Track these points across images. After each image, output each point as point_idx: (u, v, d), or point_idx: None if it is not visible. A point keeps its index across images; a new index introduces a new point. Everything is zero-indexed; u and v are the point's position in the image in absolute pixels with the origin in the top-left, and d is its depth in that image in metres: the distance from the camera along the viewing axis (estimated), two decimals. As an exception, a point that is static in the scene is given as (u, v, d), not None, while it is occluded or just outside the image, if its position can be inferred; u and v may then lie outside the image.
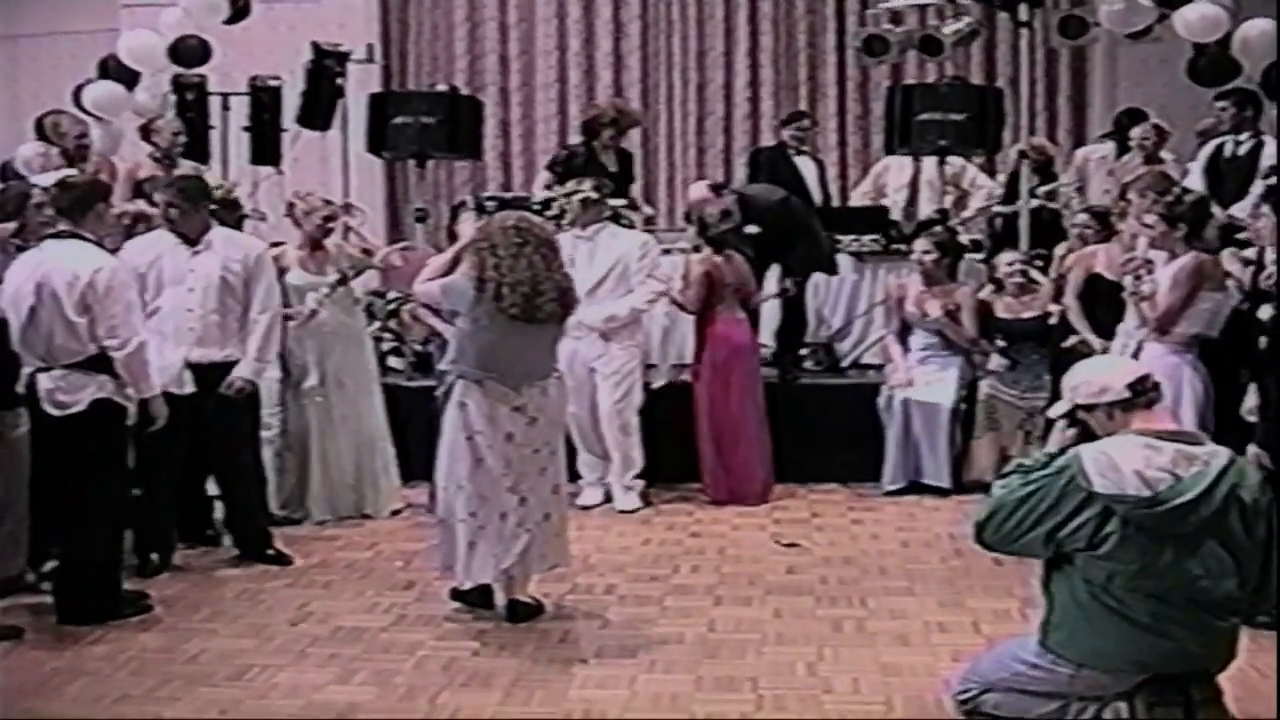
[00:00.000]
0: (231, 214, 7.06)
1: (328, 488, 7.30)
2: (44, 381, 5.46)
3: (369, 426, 7.43)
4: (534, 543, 5.45)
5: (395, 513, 7.44)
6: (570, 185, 7.74)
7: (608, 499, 7.72)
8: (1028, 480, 3.64)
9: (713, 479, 7.70)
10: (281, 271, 7.36)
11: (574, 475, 7.74)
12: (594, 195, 7.58)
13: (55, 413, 5.44)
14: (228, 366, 6.32)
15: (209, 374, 6.27)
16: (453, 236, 7.63)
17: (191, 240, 6.31)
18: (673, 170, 12.03)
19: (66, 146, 8.24)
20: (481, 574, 5.51)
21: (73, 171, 6.05)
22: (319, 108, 9.89)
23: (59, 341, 5.44)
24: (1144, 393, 3.69)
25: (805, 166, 9.89)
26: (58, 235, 5.53)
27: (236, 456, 6.48)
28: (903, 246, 8.65)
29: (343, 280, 7.37)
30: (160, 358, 5.95)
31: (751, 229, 8.15)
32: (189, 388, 6.20)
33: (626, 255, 7.59)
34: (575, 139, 9.24)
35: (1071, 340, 7.33)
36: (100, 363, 5.46)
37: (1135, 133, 9.00)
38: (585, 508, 7.61)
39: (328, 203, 7.59)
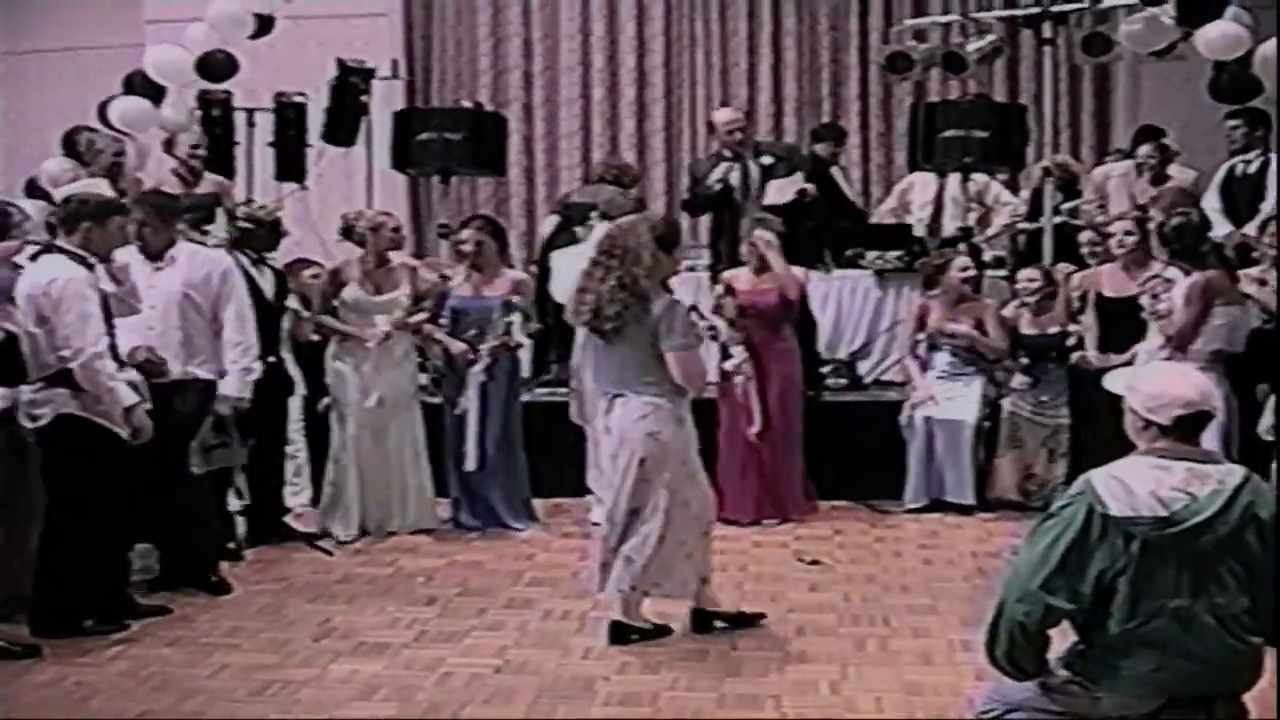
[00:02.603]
0: (271, 235, 7.07)
1: (365, 504, 7.30)
2: (24, 394, 5.47)
3: (412, 443, 7.43)
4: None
5: (428, 530, 7.43)
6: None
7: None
8: (1044, 529, 3.57)
9: (738, 498, 7.60)
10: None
11: (583, 490, 7.80)
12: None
13: (29, 425, 5.46)
14: (185, 385, 6.13)
15: (168, 390, 6.03)
16: (458, 251, 7.65)
17: (154, 256, 6.20)
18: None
19: (102, 164, 8.21)
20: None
21: (86, 185, 6.00)
22: (343, 124, 9.92)
23: (27, 353, 5.43)
24: (1188, 427, 3.64)
25: (840, 179, 9.95)
26: (43, 250, 5.56)
27: (180, 478, 6.16)
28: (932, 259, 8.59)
29: (418, 301, 7.42)
30: (120, 372, 5.81)
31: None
32: (147, 404, 5.94)
33: None
34: (597, 157, 9.29)
35: (1075, 356, 7.37)
36: (63, 377, 5.41)
37: (1140, 152, 9.00)
38: (598, 524, 7.60)
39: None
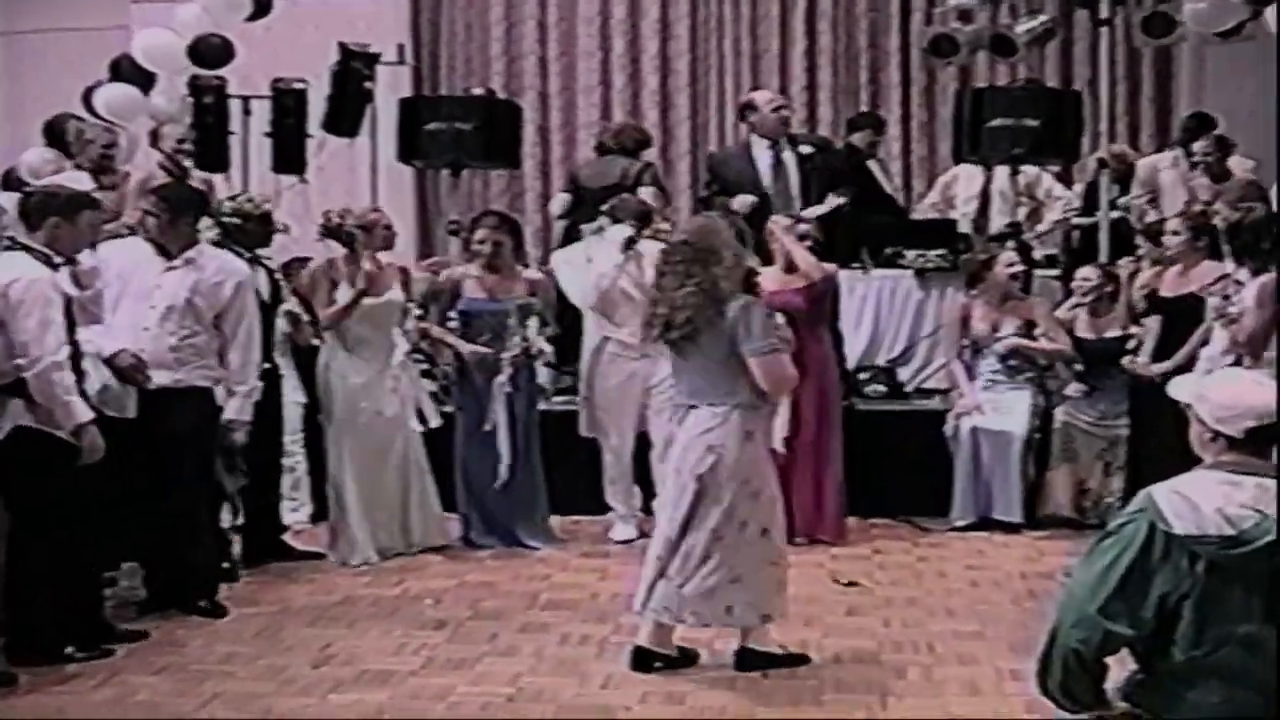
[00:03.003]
0: (262, 230, 7.05)
1: (370, 524, 7.27)
2: None
3: (415, 457, 7.42)
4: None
5: (437, 549, 7.43)
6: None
7: (643, 534, 7.71)
8: (1101, 548, 3.53)
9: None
10: (454, 296, 7.43)
11: (602, 507, 7.79)
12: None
13: None
14: (177, 393, 6.09)
15: (157, 398, 6.03)
16: (473, 251, 7.65)
17: (169, 254, 6.18)
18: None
19: (91, 156, 8.22)
20: None
21: (65, 179, 5.99)
22: (346, 113, 9.94)
23: None
24: (1260, 440, 3.60)
25: (878, 171, 9.93)
26: (7, 247, 5.52)
27: (180, 490, 6.14)
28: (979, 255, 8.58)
29: (426, 303, 7.43)
30: (102, 376, 5.88)
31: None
32: (131, 412, 5.98)
33: None
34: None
35: (1124, 361, 7.34)
36: (19, 386, 5.34)
37: (1196, 148, 8.96)
38: (619, 543, 7.65)
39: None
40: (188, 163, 8.70)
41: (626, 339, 7.57)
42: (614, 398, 7.72)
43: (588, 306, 7.72)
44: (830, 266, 7.72)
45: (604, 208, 7.82)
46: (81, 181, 5.91)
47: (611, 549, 7.56)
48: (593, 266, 7.62)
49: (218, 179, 9.25)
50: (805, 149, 8.93)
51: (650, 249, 7.73)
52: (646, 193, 8.69)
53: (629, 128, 9.60)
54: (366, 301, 7.24)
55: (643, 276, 7.64)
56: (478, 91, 10.51)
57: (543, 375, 8.18)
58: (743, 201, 8.46)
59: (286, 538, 7.40)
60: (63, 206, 5.55)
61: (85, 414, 5.42)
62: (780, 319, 5.51)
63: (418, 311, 7.57)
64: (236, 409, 6.27)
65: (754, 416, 5.27)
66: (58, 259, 5.51)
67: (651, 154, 11.69)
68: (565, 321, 8.05)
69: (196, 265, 6.20)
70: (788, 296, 7.48)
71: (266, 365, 6.82)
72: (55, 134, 8.48)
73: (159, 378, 6.05)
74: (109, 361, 5.85)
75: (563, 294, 7.94)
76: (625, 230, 7.60)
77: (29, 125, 8.94)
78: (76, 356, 5.53)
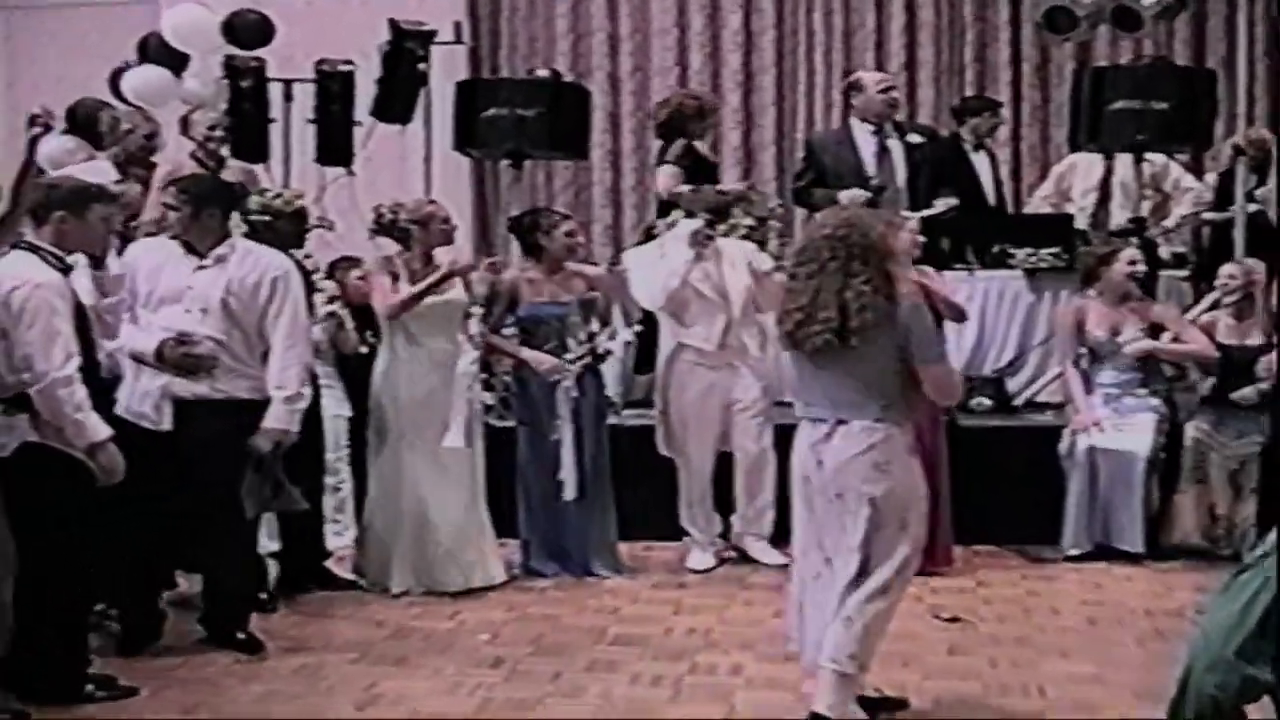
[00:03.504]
0: (294, 228, 7.08)
1: (420, 552, 7.27)
2: None
3: (473, 478, 7.42)
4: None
5: (499, 585, 7.42)
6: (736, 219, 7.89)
7: (722, 561, 7.78)
8: (1239, 583, 3.48)
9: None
10: (513, 302, 7.46)
11: (678, 532, 7.78)
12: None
13: None
14: (213, 405, 6.11)
15: (193, 410, 6.07)
16: (534, 249, 7.65)
17: (199, 252, 6.19)
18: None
19: (129, 147, 8.29)
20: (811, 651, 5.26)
21: (87, 170, 6.04)
22: (397, 97, 9.97)
23: None
24: None
25: (982, 164, 9.86)
26: (15, 246, 5.54)
27: (214, 512, 6.12)
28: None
29: (489, 305, 7.44)
30: (137, 384, 5.94)
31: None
32: (167, 423, 6.05)
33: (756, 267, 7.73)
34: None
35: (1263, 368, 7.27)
36: (25, 400, 5.35)
37: None
38: (696, 571, 7.67)
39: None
40: (224, 151, 8.75)
41: (703, 345, 7.58)
42: (692, 411, 7.72)
43: (655, 307, 7.74)
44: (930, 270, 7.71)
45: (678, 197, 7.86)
46: (104, 173, 5.91)
47: (687, 579, 7.56)
48: (664, 265, 7.63)
49: (258, 169, 9.31)
50: (913, 138, 8.90)
51: (730, 247, 7.74)
52: (667, 172, 8.74)
53: (684, 104, 9.26)
54: (426, 300, 7.25)
55: (721, 278, 7.65)
56: (541, 73, 10.51)
57: (611, 386, 8.18)
58: (852, 197, 8.44)
59: (329, 564, 7.43)
60: (67, 199, 5.54)
61: (100, 431, 5.44)
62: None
63: (479, 312, 7.56)
64: (278, 417, 6.12)
65: (909, 431, 5.18)
66: (71, 260, 5.53)
67: (732, 139, 11.77)
68: (647, 327, 8.10)
69: (229, 263, 6.18)
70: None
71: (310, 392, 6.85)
72: (81, 121, 8.56)
73: (195, 388, 6.09)
74: (159, 359, 5.90)
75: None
76: (696, 224, 7.61)
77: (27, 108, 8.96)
78: (93, 367, 5.55)
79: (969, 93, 11.34)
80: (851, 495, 5.06)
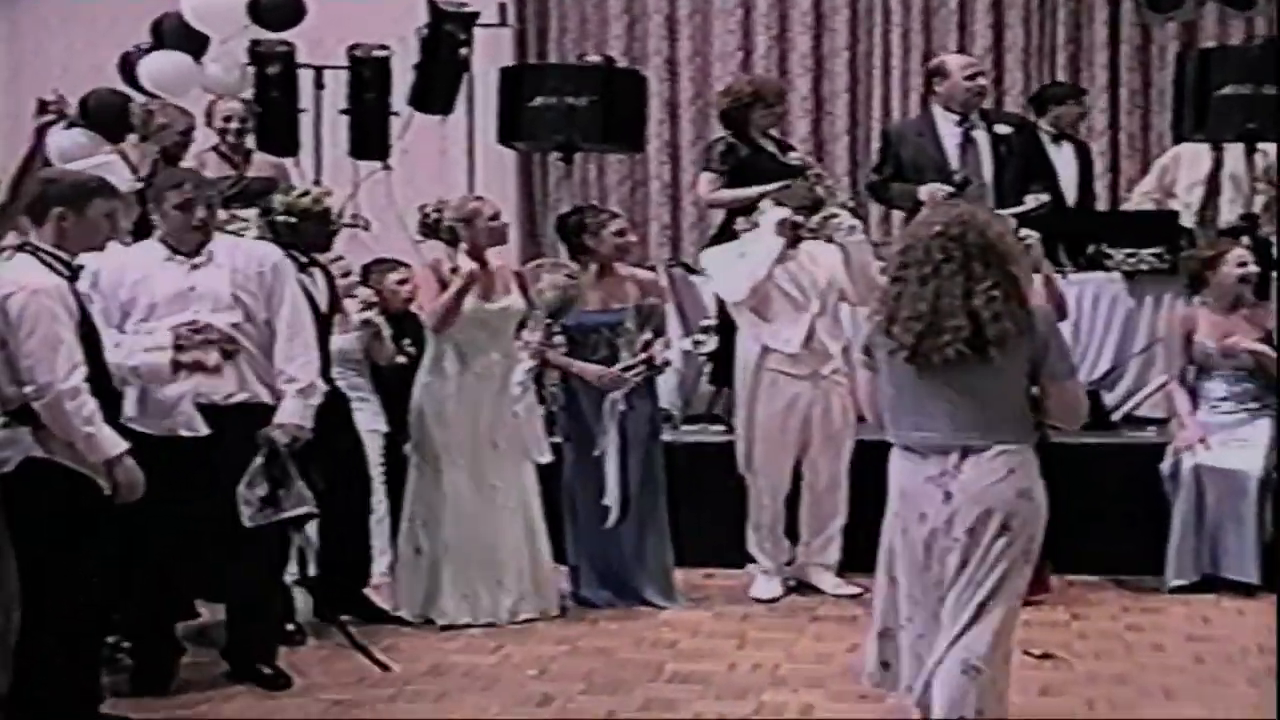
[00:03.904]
0: (320, 229, 7.08)
1: (464, 580, 7.27)
2: None
3: (527, 500, 7.43)
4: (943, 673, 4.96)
5: (556, 616, 7.43)
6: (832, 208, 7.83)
7: (788, 591, 7.78)
8: None
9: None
10: (566, 306, 7.47)
11: (739, 558, 7.76)
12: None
13: None
14: (248, 409, 6.17)
15: (221, 416, 6.13)
16: (582, 250, 7.65)
17: (187, 252, 6.20)
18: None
19: (163, 143, 8.33)
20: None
21: (103, 165, 6.05)
22: (437, 85, 10.00)
23: None
24: None
25: (1062, 158, 9.78)
26: (19, 248, 5.57)
27: (243, 531, 6.14)
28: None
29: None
30: (162, 396, 5.98)
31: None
32: (203, 428, 6.09)
33: (836, 270, 7.71)
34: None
35: None
36: (28, 413, 5.37)
37: None
38: (761, 601, 7.66)
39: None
40: (249, 144, 8.77)
41: (784, 347, 7.57)
42: (772, 426, 7.71)
43: (737, 299, 7.71)
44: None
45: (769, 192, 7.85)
46: (115, 170, 5.93)
47: (751, 609, 7.54)
48: (746, 261, 7.62)
49: (286, 163, 9.35)
50: (1001, 128, 8.85)
51: (817, 250, 7.71)
52: (705, 178, 8.87)
53: (745, 90, 9.11)
54: (481, 307, 7.25)
55: (813, 279, 7.62)
56: (593, 59, 10.54)
57: (667, 399, 8.17)
58: (932, 192, 8.42)
59: (369, 591, 7.44)
60: (66, 194, 5.54)
61: (115, 445, 5.46)
62: None
63: (543, 320, 7.55)
64: (292, 412, 6.19)
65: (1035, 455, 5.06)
66: (77, 263, 5.56)
67: (800, 129, 11.73)
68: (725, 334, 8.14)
69: (220, 257, 6.23)
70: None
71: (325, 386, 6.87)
72: (94, 113, 8.60)
73: (218, 388, 6.15)
74: (177, 359, 5.94)
75: (721, 306, 8.07)
76: (783, 211, 7.60)
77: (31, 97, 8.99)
78: (102, 376, 5.56)
79: (1061, 77, 11.27)
80: (989, 529, 4.88)
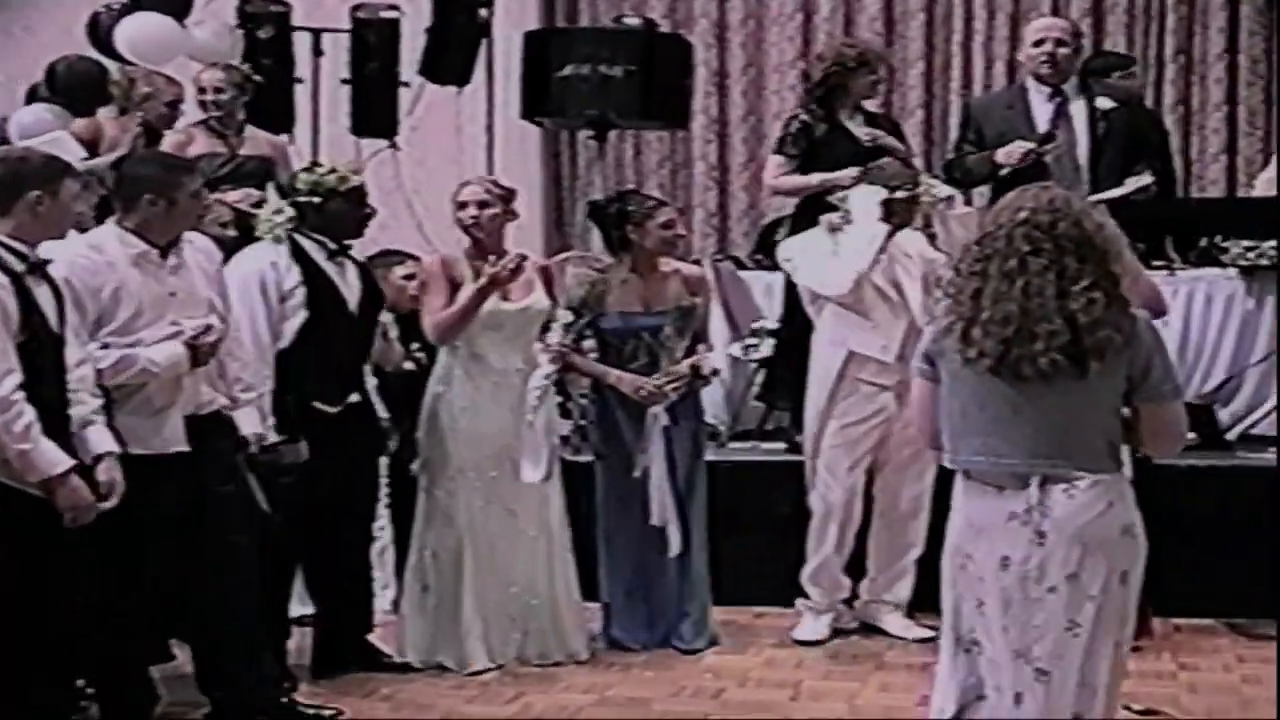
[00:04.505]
0: (352, 211, 7.02)
1: (481, 620, 7.26)
2: None
3: (551, 527, 7.41)
4: None
5: (584, 660, 7.42)
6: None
7: (836, 633, 7.76)
8: None
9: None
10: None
11: (788, 595, 7.81)
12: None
13: None
14: (217, 419, 6.22)
15: (207, 427, 6.16)
16: (622, 243, 7.62)
17: (162, 249, 6.14)
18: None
19: (147, 117, 8.31)
20: None
21: (56, 142, 6.04)
22: (452, 53, 10.02)
23: None
24: None
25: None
26: None
27: (230, 555, 6.18)
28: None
29: (580, 311, 7.44)
30: (151, 412, 5.98)
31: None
32: (184, 444, 6.09)
33: (932, 264, 7.60)
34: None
35: None
36: None
37: None
38: (804, 643, 7.66)
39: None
40: (233, 115, 8.74)
41: (881, 356, 7.51)
42: (847, 441, 7.67)
43: (839, 294, 7.62)
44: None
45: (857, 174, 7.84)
46: (64, 146, 5.93)
47: (807, 655, 7.52)
48: (844, 251, 7.55)
49: (281, 141, 9.35)
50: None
51: (912, 242, 7.65)
52: (773, 161, 8.76)
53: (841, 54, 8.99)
54: (498, 307, 7.23)
55: (907, 277, 7.56)
56: (631, 22, 10.51)
57: (709, 411, 8.14)
58: (1010, 152, 8.45)
59: (373, 638, 7.39)
60: (41, 174, 5.57)
61: (56, 462, 5.43)
62: None
63: (567, 319, 7.53)
64: (254, 421, 6.35)
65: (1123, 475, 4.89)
66: (34, 255, 5.55)
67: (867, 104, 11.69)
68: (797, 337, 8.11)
69: (186, 255, 6.21)
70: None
71: (356, 398, 6.89)
72: (62, 84, 8.64)
73: (214, 399, 6.20)
74: (193, 352, 5.96)
75: (788, 306, 8.07)
76: (884, 193, 7.56)
77: (22, 71, 9.04)
78: (51, 385, 5.53)
79: (1170, 42, 11.23)
80: (1092, 573, 4.73)
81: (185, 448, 6.05)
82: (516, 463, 7.23)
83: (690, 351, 7.52)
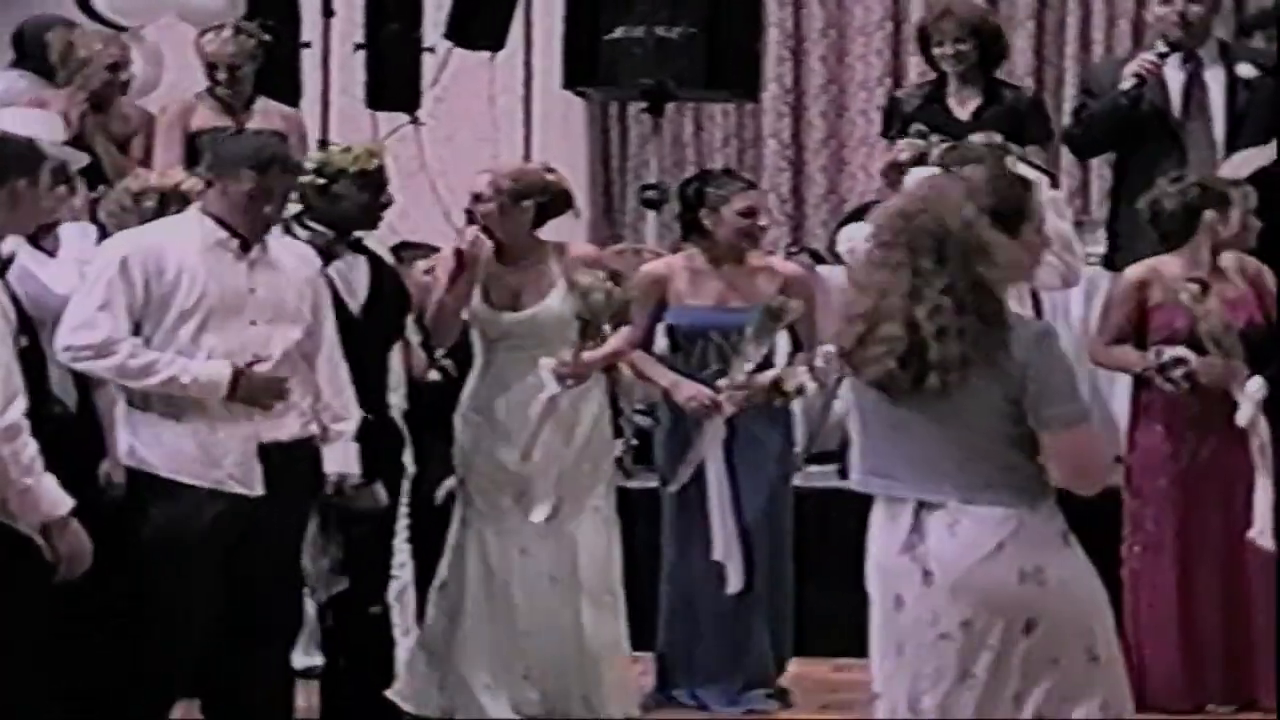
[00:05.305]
0: (365, 197, 7.02)
1: (510, 671, 7.29)
2: None
3: (579, 570, 7.41)
4: None
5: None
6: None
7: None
8: None
9: (1165, 669, 7.56)
10: (659, 304, 7.53)
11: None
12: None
13: None
14: (300, 448, 6.27)
15: (283, 460, 6.20)
16: (696, 229, 7.65)
17: (245, 240, 6.19)
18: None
19: (87, 83, 8.39)
20: None
21: (23, 119, 6.07)
22: (483, 13, 10.04)
23: None
24: None
25: None
26: None
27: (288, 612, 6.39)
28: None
29: (617, 317, 7.41)
30: (204, 437, 6.04)
31: None
32: (259, 487, 6.13)
33: None
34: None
35: None
36: None
37: None
38: None
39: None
40: (241, 85, 8.78)
41: None
42: None
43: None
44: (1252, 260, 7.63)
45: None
46: (46, 123, 5.93)
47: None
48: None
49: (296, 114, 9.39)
50: (1245, 69, 8.74)
51: None
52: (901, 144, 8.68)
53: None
54: (498, 318, 7.29)
55: None
56: (691, -22, 10.55)
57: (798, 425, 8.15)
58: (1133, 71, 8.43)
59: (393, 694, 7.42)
60: (25, 158, 5.60)
61: (59, 504, 5.42)
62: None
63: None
64: (342, 458, 6.42)
65: (1052, 508, 4.77)
66: (9, 250, 5.64)
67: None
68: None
69: (275, 252, 6.28)
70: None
71: (368, 416, 6.87)
72: (30, 47, 8.68)
73: (283, 428, 6.22)
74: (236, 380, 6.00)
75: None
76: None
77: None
78: (45, 406, 5.60)
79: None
80: (991, 625, 4.67)
81: (248, 490, 6.09)
82: (528, 494, 7.25)
83: (768, 360, 7.44)
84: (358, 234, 7.03)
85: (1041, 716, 4.64)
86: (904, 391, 4.64)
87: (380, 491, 6.71)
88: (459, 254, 7.31)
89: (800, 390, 7.45)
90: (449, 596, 7.35)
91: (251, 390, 5.99)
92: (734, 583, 7.39)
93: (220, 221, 6.11)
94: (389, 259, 7.48)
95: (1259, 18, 10.13)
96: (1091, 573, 4.77)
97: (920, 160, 7.83)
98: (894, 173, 8.14)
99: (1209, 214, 7.52)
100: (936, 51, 8.75)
